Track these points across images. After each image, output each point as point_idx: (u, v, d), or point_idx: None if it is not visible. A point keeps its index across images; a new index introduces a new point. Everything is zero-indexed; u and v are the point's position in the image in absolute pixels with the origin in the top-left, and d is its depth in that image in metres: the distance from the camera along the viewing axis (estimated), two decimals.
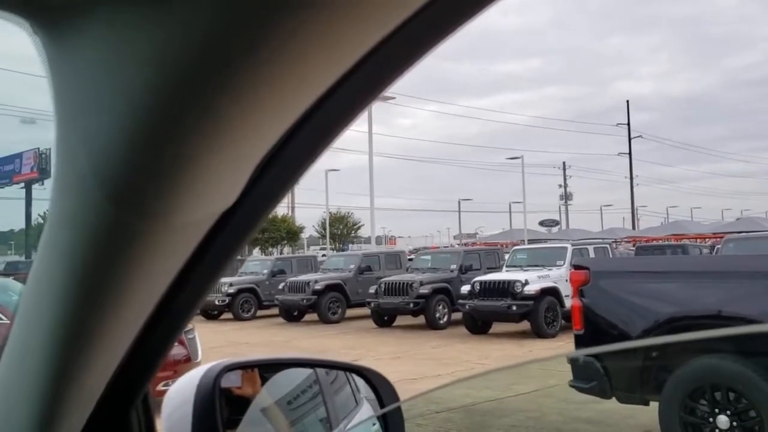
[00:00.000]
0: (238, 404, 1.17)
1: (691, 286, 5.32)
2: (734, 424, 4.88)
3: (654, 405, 5.37)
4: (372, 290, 17.26)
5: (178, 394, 0.98)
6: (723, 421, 4.91)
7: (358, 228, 58.95)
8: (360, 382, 1.31)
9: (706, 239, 33.64)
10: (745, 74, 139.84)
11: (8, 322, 7.59)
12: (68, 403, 0.74)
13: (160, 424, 0.97)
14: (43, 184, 54.96)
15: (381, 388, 1.22)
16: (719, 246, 18.14)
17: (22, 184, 54.92)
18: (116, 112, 0.45)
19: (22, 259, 47.67)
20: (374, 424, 1.35)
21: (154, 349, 0.76)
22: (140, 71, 0.43)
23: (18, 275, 14.26)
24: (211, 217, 0.57)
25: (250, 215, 0.60)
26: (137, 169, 0.48)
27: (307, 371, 1.37)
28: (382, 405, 1.22)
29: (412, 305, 16.26)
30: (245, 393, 1.18)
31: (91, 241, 0.56)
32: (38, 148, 54.67)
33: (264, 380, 1.26)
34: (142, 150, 0.46)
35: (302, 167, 0.56)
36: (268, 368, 1.20)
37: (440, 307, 16.50)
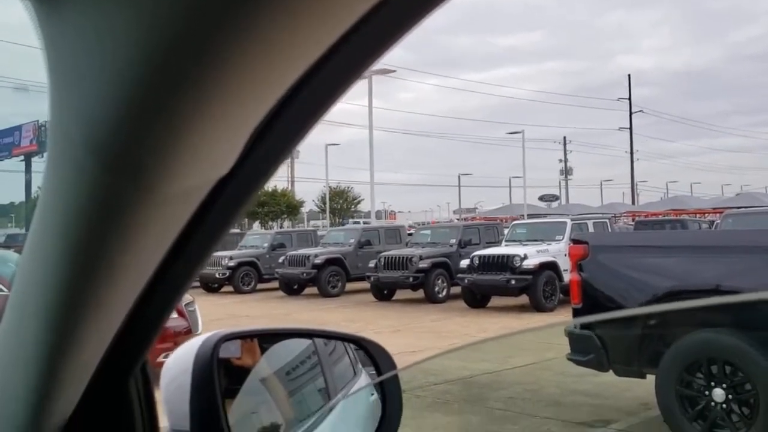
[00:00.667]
0: (238, 375, 1.17)
1: (690, 261, 5.33)
2: (730, 397, 4.92)
3: (651, 378, 5.42)
4: (372, 264, 17.31)
5: (176, 364, 0.98)
6: (719, 394, 4.96)
7: (358, 203, 59.00)
8: (360, 354, 1.32)
9: (706, 214, 33.65)
10: (748, 48, 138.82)
11: (8, 293, 7.65)
12: (65, 374, 0.74)
13: (159, 394, 0.98)
14: (42, 156, 54.77)
15: (379, 359, 1.23)
16: (718, 221, 18.16)
17: (22, 157, 54.80)
18: (109, 80, 0.45)
19: (22, 231, 47.74)
20: (372, 394, 1.36)
21: (151, 319, 0.77)
22: (133, 39, 0.42)
23: (18, 247, 14.30)
24: (206, 185, 0.56)
25: (246, 184, 0.59)
26: (131, 137, 0.47)
27: (306, 342, 1.37)
28: (380, 375, 1.22)
29: (411, 279, 16.33)
30: (245, 363, 1.19)
31: (85, 212, 0.55)
32: (38, 121, 54.46)
33: (264, 351, 1.26)
34: (136, 118, 0.46)
35: (298, 135, 0.56)
36: (266, 338, 1.20)
37: (439, 281, 16.57)
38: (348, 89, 0.53)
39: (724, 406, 4.94)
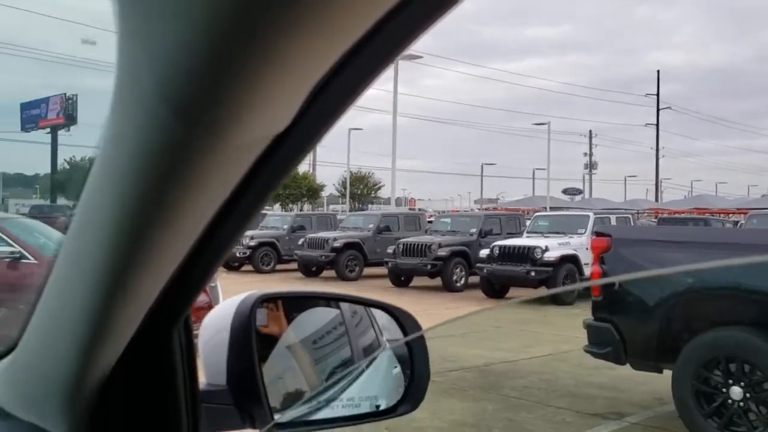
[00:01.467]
0: (265, 342, 1.21)
1: (712, 258, 5.29)
2: (747, 395, 4.90)
3: (667, 373, 5.40)
4: (390, 250, 17.35)
5: (215, 323, 1.01)
6: (736, 392, 4.93)
7: (378, 188, 58.98)
8: (386, 322, 1.34)
9: (730, 214, 33.21)
10: None
11: (36, 262, 7.76)
12: (113, 323, 0.78)
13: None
14: (69, 130, 55.44)
15: (407, 325, 1.26)
16: (743, 222, 17.94)
17: (48, 129, 55.42)
18: (185, 28, 0.47)
19: (47, 203, 48.42)
20: (396, 367, 1.39)
21: (198, 273, 0.80)
22: None
23: (43, 218, 14.52)
24: (265, 140, 0.58)
25: (301, 141, 0.61)
26: (202, 82, 0.49)
27: (334, 312, 1.40)
28: (408, 344, 1.25)
29: (429, 266, 16.35)
30: (271, 332, 1.22)
31: (152, 158, 0.58)
32: (65, 94, 55.01)
33: (290, 321, 1.30)
34: (210, 66, 0.48)
35: (357, 92, 0.58)
36: (299, 301, 1.23)
37: (458, 269, 16.57)
38: (408, 48, 0.54)
39: (741, 404, 4.91)
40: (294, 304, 1.30)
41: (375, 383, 1.32)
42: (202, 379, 0.99)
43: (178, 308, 0.85)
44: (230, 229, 0.73)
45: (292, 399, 1.15)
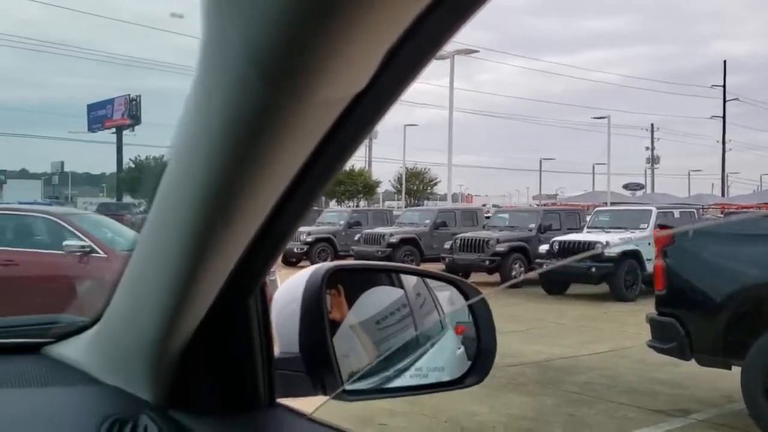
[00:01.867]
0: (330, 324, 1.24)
1: None
2: None
3: (736, 370, 5.23)
4: (447, 246, 17.29)
5: (287, 293, 1.05)
6: None
7: (435, 184, 58.82)
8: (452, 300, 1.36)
9: None
10: None
11: (105, 255, 8.05)
12: (194, 291, 0.82)
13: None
14: (133, 130, 57.24)
15: (474, 299, 1.27)
16: None
17: (113, 129, 57.33)
18: None
19: (114, 200, 50.10)
20: (459, 348, 1.40)
21: (273, 241, 0.83)
22: None
23: (110, 215, 15.06)
24: (344, 100, 0.61)
25: (377, 102, 0.64)
26: (289, 44, 0.52)
27: (399, 293, 1.42)
28: (475, 319, 1.26)
29: (487, 262, 16.20)
30: (333, 317, 1.25)
31: (239, 119, 0.61)
32: (129, 95, 56.80)
33: (355, 299, 1.33)
34: (293, 27, 0.51)
35: (429, 55, 0.60)
36: (366, 275, 1.26)
37: (516, 265, 16.38)
38: (468, 18, 0.56)
39: None
40: (360, 281, 1.33)
41: (442, 356, 1.34)
42: (276, 348, 1.03)
43: (253, 279, 0.89)
44: (304, 196, 0.76)
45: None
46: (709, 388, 6.31)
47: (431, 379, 1.20)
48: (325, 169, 0.71)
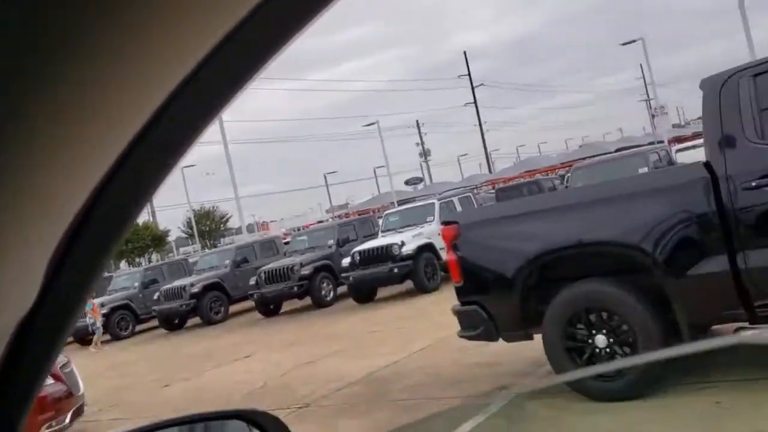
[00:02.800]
0: None
1: (551, 222, 5.61)
2: (611, 340, 5.25)
3: (538, 337, 5.67)
4: (252, 282, 16.94)
5: None
6: (601, 340, 5.27)
7: (227, 220, 57.59)
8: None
9: (556, 170, 35.86)
10: (566, 8, 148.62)
11: None
12: None
13: None
14: None
15: (272, 429, 1.14)
16: (569, 174, 19.37)
17: None
18: None
19: None
20: None
21: (26, 376, 0.65)
22: None
23: None
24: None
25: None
26: None
27: None
28: None
29: (296, 288, 16.14)
30: None
31: None
32: None
33: None
34: None
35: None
36: None
37: (324, 284, 16.49)
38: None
39: (608, 350, 5.26)
40: None
41: None
42: None
43: (22, 402, 0.69)
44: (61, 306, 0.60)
45: None
46: (521, 358, 6.79)
47: None
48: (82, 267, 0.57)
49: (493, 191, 25.73)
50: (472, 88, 54.84)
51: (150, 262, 41.87)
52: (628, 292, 5.16)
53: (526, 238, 5.61)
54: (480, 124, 54.71)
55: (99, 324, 17.28)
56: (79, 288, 0.60)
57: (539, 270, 5.65)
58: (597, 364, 5.29)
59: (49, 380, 7.08)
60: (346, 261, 15.45)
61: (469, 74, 54.92)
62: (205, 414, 1.19)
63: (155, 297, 18.98)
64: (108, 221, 0.54)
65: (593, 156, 28.28)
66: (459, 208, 15.63)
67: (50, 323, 0.60)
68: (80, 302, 0.62)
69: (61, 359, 8.45)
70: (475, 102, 54.98)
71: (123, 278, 22.16)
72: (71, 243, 0.54)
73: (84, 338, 18.73)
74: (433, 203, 16.43)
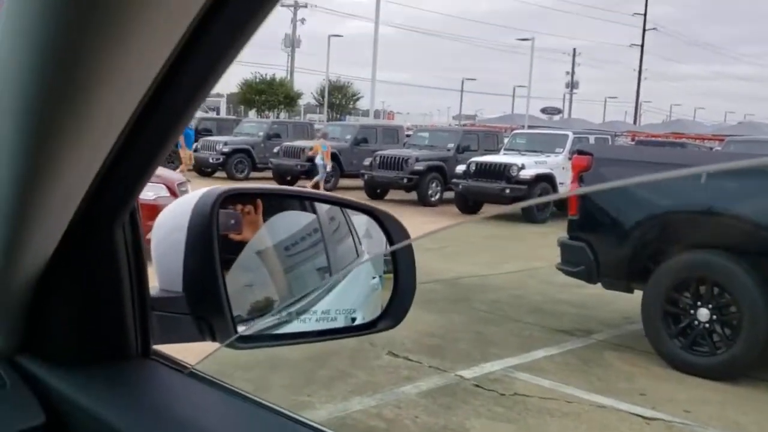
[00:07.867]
0: (236, 248, 1.08)
1: (689, 182, 5.24)
2: (714, 317, 4.97)
3: (638, 293, 5.45)
4: (366, 162, 17.17)
5: (170, 220, 0.88)
6: (704, 313, 5.01)
7: (357, 99, 57.98)
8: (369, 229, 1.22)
9: (706, 140, 33.40)
10: None
11: None
12: (36, 217, 0.63)
13: (151, 252, 0.88)
14: None
15: (392, 230, 1.13)
16: (719, 148, 18.03)
17: None
18: None
19: None
20: (374, 278, 1.27)
21: (138, 163, 0.65)
22: None
23: None
24: None
25: None
26: None
27: (310, 217, 1.27)
28: (394, 257, 1.13)
29: (405, 180, 16.26)
30: (246, 239, 1.09)
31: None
32: None
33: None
34: None
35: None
36: (269, 198, 1.10)
37: (433, 184, 16.50)
38: None
39: (707, 325, 5.00)
40: (265, 205, 1.17)
41: (353, 295, 1.20)
42: (155, 284, 0.87)
43: (118, 202, 0.72)
44: (175, 108, 0.59)
45: (259, 310, 1.04)
46: (611, 309, 6.60)
47: (339, 322, 1.07)
48: (197, 75, 0.55)
49: (632, 143, 24.43)
50: (644, 30, 51.17)
51: (278, 117, 43.20)
52: (748, 273, 4.82)
53: (657, 191, 5.29)
54: (640, 71, 51.40)
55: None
56: (171, 117, 0.61)
57: (661, 227, 5.36)
58: (691, 336, 5.05)
59: (166, 194, 7.63)
60: (460, 168, 15.30)
61: (645, 14, 51.08)
62: (342, 199, 1.19)
63: (275, 150, 19.68)
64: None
65: (750, 136, 26.04)
66: None
67: (146, 146, 0.62)
68: (172, 132, 0.63)
69: (179, 177, 9.05)
70: (642, 45, 51.42)
71: (250, 125, 23.04)
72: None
73: (202, 169, 19.89)
74: (567, 134, 15.80)
